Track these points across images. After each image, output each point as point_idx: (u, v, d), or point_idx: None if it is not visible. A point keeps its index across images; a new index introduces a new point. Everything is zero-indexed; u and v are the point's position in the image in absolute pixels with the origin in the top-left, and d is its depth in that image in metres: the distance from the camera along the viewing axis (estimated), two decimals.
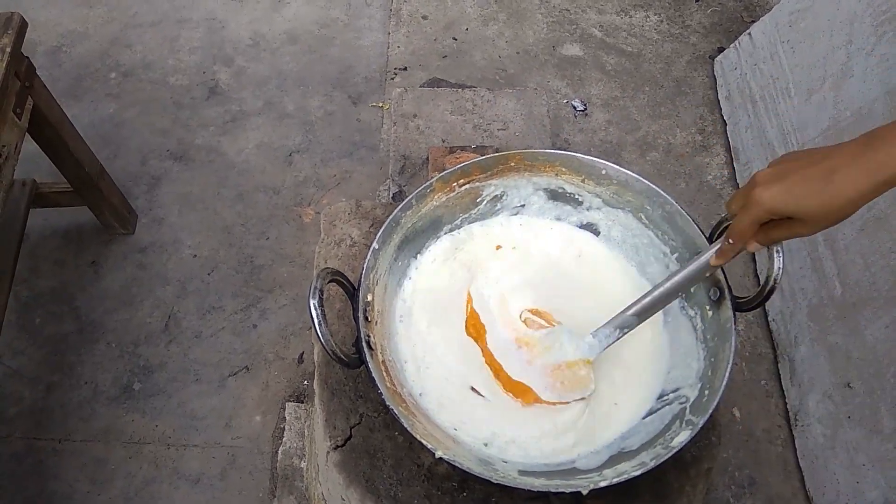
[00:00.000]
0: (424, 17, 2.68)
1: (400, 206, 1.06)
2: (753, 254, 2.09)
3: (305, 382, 1.87)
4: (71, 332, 1.94)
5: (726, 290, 0.97)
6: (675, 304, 1.06)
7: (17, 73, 1.50)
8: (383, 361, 0.97)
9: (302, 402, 1.78)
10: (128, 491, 1.73)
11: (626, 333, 1.01)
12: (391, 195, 1.79)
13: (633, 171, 1.10)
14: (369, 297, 0.99)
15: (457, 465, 0.83)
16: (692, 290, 1.04)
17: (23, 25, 1.53)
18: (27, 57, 1.55)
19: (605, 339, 1.01)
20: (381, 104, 2.44)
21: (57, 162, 1.80)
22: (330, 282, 0.91)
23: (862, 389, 1.59)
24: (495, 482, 0.82)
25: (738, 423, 1.86)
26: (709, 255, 0.92)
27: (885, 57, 1.68)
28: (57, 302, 1.99)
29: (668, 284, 0.96)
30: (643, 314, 0.99)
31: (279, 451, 1.69)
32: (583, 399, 1.00)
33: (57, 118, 1.70)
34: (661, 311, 1.06)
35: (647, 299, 0.98)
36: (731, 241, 0.86)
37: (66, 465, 1.75)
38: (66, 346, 1.92)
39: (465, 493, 0.97)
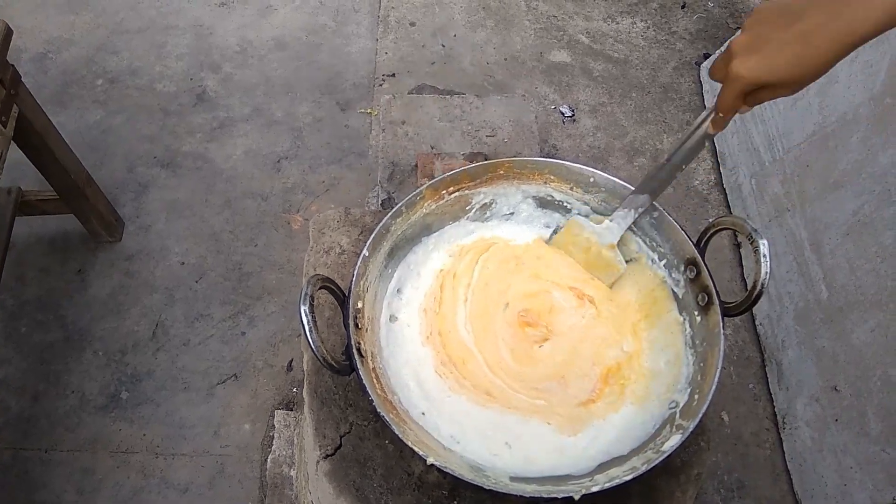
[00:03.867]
0: (412, 24, 2.68)
1: (389, 214, 1.06)
2: (741, 259, 2.11)
3: (294, 390, 1.87)
4: (57, 340, 1.93)
5: (714, 296, 0.97)
6: (670, 309, 1.06)
7: (2, 80, 1.49)
8: (374, 369, 0.97)
9: (291, 410, 1.77)
10: (116, 501, 1.71)
11: (640, 213, 1.05)
12: (380, 202, 1.79)
13: (620, 179, 1.10)
14: (359, 305, 0.99)
15: (448, 471, 0.83)
16: (681, 295, 1.05)
17: (8, 33, 1.52)
18: (12, 65, 1.54)
19: (623, 220, 1.07)
20: (369, 110, 2.44)
21: (43, 169, 1.79)
22: (320, 288, 0.91)
23: (849, 392, 1.61)
24: (487, 488, 0.82)
25: (727, 427, 1.87)
26: (706, 125, 0.92)
27: (869, 63, 1.70)
28: (43, 310, 1.98)
29: (672, 158, 0.99)
30: (654, 191, 1.03)
31: (268, 460, 1.68)
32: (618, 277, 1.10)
33: (42, 126, 1.69)
34: (655, 321, 1.07)
35: (655, 175, 1.02)
36: (721, 113, 0.87)
37: (53, 475, 1.73)
38: (53, 355, 1.90)
39: (455, 502, 0.96)
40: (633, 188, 1.09)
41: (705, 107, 2.44)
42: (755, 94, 0.82)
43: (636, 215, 1.06)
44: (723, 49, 0.84)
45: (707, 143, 0.97)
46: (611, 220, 1.08)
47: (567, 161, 1.13)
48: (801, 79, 0.77)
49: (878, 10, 0.70)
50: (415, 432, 0.91)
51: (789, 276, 1.85)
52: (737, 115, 0.87)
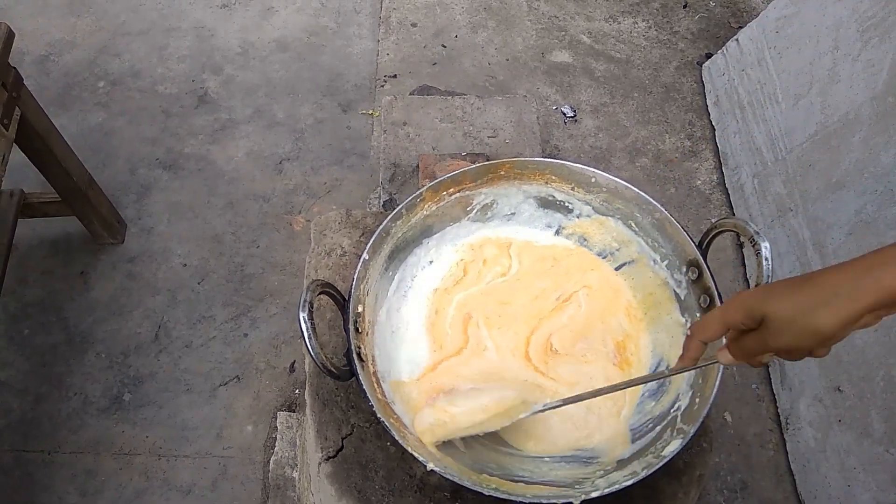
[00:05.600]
0: (414, 25, 2.68)
1: (390, 216, 1.06)
2: (744, 259, 2.10)
3: (297, 391, 1.86)
4: (60, 342, 1.93)
5: (717, 298, 0.97)
6: (671, 311, 1.06)
7: (4, 83, 1.49)
8: (374, 373, 0.96)
9: (293, 412, 1.77)
10: (118, 503, 1.71)
11: (565, 405, 0.94)
12: (381, 203, 1.78)
13: (622, 179, 1.10)
14: (360, 309, 0.99)
15: (448, 477, 0.82)
16: (683, 296, 1.04)
17: (10, 36, 1.52)
18: (14, 67, 1.54)
19: (543, 405, 0.95)
20: (370, 112, 2.44)
21: (45, 172, 1.79)
22: (320, 294, 0.91)
23: (852, 393, 1.60)
24: (487, 493, 0.82)
25: (730, 428, 1.86)
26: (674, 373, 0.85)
27: (871, 62, 1.69)
28: (45, 312, 1.98)
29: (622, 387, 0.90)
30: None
31: (271, 461, 1.68)
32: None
33: (45, 128, 1.69)
34: (656, 318, 1.07)
35: (602, 391, 0.91)
36: (689, 331, 0.79)
37: (56, 477, 1.73)
38: (55, 357, 1.91)
39: (457, 503, 0.96)
40: (634, 188, 1.09)
41: (707, 106, 2.43)
42: (744, 338, 0.73)
43: (560, 405, 0.94)
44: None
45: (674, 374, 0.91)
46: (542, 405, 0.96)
47: (568, 161, 1.13)
48: (801, 324, 0.67)
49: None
50: (415, 436, 0.91)
51: (792, 275, 1.84)
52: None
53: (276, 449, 1.70)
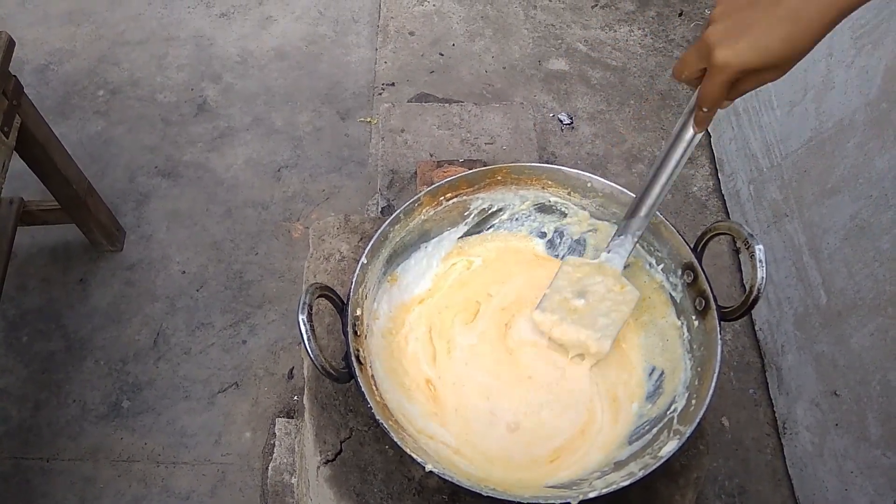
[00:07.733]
0: (411, 33, 2.70)
1: (388, 221, 1.07)
2: (740, 265, 2.11)
3: (295, 398, 1.87)
4: (59, 349, 1.93)
5: (712, 300, 0.98)
6: (667, 314, 1.07)
7: (4, 91, 1.50)
8: (372, 375, 0.97)
9: (292, 418, 1.78)
10: None
11: (640, 236, 1.00)
12: (380, 209, 1.79)
13: (618, 184, 1.11)
14: (358, 312, 1.00)
15: (447, 478, 0.83)
16: (679, 300, 1.05)
17: (10, 44, 1.53)
18: (14, 76, 1.55)
19: (622, 247, 1.01)
20: (368, 119, 2.45)
21: (45, 180, 1.80)
22: (319, 297, 0.91)
23: (848, 397, 1.61)
24: (486, 494, 0.83)
25: (728, 433, 1.87)
26: (689, 128, 0.88)
27: (865, 69, 1.70)
28: (44, 320, 1.98)
29: (662, 173, 0.94)
30: (649, 210, 0.98)
31: (269, 468, 1.68)
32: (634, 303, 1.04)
33: (44, 136, 1.70)
34: (650, 321, 1.08)
35: (649, 193, 0.96)
36: (705, 109, 0.82)
37: (55, 484, 1.73)
38: (54, 365, 1.91)
39: None
40: (630, 193, 1.10)
41: None
42: (738, 84, 0.78)
43: (635, 240, 1.00)
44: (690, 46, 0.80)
45: (694, 147, 0.92)
46: (608, 252, 1.03)
47: (565, 167, 1.14)
48: (792, 58, 0.73)
49: None
50: (413, 438, 0.91)
51: (788, 281, 1.85)
52: (718, 112, 0.84)
53: (274, 455, 1.70)
